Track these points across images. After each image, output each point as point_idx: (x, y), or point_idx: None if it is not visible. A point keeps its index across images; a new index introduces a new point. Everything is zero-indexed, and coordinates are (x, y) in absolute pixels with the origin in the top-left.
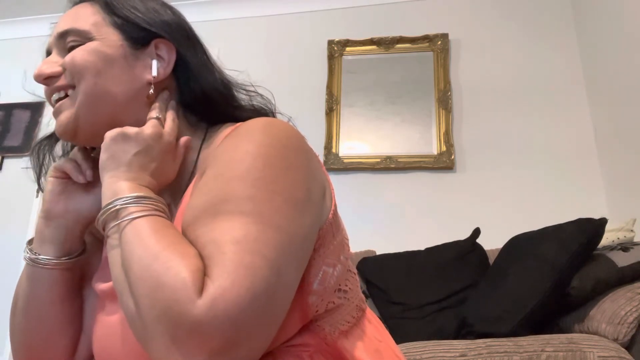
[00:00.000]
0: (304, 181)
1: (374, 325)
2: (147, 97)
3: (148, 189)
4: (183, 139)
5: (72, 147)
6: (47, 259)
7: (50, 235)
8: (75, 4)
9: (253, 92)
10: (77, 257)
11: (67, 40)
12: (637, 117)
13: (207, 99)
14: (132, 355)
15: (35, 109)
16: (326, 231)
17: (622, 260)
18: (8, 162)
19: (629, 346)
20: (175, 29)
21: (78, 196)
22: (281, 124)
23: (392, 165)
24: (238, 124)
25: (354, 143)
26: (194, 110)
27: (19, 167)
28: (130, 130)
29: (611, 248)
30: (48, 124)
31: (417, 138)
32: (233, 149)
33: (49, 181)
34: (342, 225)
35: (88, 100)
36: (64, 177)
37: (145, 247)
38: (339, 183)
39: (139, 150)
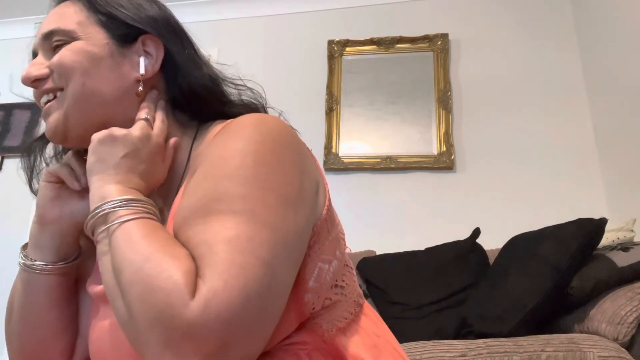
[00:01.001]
0: (297, 177)
1: (372, 321)
2: (136, 95)
3: (137, 192)
4: (172, 140)
5: (64, 148)
6: (43, 264)
7: (45, 240)
8: (59, 2)
9: (242, 86)
10: (73, 261)
11: (52, 41)
12: (637, 117)
13: (195, 95)
14: (125, 359)
15: (35, 109)
16: (321, 227)
17: (622, 260)
18: (8, 162)
19: (629, 346)
20: (162, 24)
21: (72, 201)
22: (272, 119)
23: (392, 165)
24: (228, 120)
25: (354, 143)
26: (184, 108)
27: (19, 167)
28: (118, 132)
29: (611, 248)
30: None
31: (417, 138)
32: (223, 147)
33: (42, 186)
34: (337, 220)
35: (77, 101)
36: (58, 181)
37: (136, 250)
38: (339, 183)
39: (127, 153)
